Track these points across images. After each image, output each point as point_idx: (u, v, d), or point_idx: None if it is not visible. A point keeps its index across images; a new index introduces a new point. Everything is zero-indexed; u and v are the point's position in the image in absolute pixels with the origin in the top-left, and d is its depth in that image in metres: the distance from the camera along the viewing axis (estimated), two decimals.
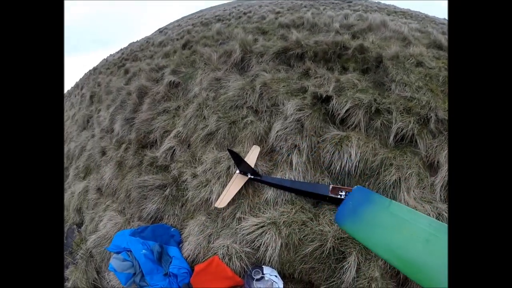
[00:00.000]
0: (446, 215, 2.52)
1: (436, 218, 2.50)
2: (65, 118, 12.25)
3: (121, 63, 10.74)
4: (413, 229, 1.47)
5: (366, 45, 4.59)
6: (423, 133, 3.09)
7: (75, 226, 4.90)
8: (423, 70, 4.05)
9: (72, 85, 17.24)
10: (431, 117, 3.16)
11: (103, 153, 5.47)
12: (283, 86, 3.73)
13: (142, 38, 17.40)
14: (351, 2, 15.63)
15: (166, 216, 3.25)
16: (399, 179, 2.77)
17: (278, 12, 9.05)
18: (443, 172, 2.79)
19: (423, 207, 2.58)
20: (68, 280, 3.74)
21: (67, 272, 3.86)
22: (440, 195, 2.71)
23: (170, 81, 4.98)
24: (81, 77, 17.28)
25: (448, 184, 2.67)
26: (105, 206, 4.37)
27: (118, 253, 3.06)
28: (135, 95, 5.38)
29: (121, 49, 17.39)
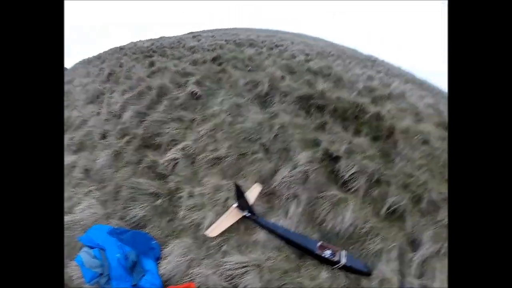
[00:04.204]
0: None
1: None
2: (77, 84, 12.07)
3: (149, 53, 10.92)
4: None
5: (383, 114, 4.78)
6: (413, 211, 3.22)
7: None
8: (427, 149, 4.21)
9: (95, 55, 17.15)
10: (425, 197, 3.29)
11: (104, 136, 5.36)
12: (299, 132, 3.84)
13: (174, 37, 17.74)
14: (374, 61, 16.37)
15: (150, 226, 3.17)
16: (382, 250, 2.86)
17: (308, 54, 9.45)
18: (423, 250, 2.92)
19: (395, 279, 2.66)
20: None
21: None
22: (416, 271, 2.82)
23: (193, 91, 5.07)
24: (106, 50, 17.27)
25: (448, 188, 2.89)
26: (87, 190, 4.20)
27: (90, 247, 2.95)
28: (155, 92, 5.45)
29: (151, 39, 17.68)
